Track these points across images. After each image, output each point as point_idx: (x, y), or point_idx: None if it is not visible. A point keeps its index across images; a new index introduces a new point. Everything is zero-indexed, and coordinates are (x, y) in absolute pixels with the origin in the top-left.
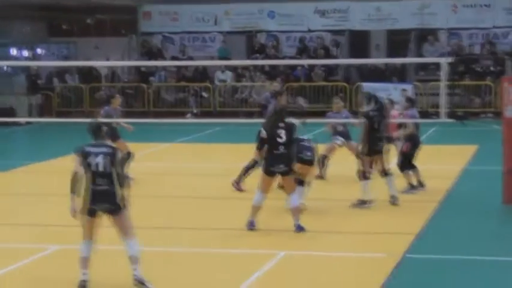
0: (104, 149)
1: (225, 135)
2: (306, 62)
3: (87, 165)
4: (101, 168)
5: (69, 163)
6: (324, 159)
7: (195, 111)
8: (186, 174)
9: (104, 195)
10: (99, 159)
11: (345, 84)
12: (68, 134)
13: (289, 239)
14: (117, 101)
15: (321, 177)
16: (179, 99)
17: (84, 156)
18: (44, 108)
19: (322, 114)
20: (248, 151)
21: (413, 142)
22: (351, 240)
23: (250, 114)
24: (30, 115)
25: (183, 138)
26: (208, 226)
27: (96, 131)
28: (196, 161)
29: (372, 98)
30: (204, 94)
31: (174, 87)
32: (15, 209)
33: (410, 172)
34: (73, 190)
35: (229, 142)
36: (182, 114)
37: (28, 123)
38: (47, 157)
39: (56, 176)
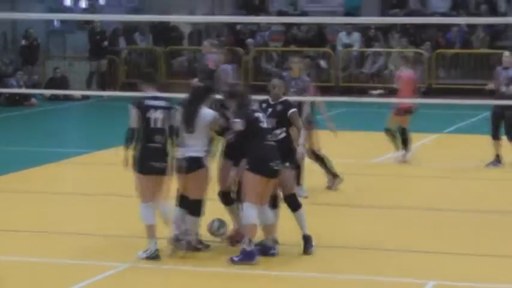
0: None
1: (350, 119)
2: (463, 20)
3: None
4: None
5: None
6: None
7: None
8: None
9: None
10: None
11: None
12: None
13: (440, 263)
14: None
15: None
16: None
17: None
18: (105, 79)
19: (479, 93)
20: (381, 140)
21: None
22: None
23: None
24: (88, 87)
25: None
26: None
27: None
28: None
29: None
30: (322, 63)
31: (281, 53)
32: (66, 213)
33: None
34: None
35: (356, 129)
36: None
37: (85, 97)
38: (109, 144)
39: (119, 169)
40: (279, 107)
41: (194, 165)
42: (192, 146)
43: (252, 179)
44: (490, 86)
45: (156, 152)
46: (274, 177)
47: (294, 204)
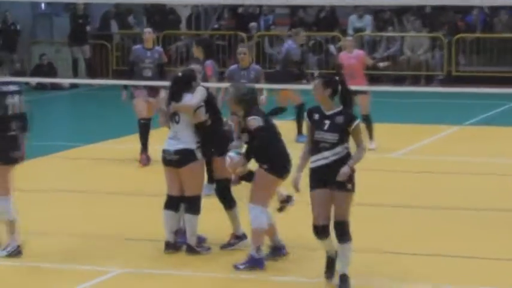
0: None
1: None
2: (484, 2)
3: None
4: None
5: (131, 146)
6: None
7: (316, 74)
8: None
9: None
10: None
11: None
12: (130, 104)
13: (459, 267)
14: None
15: None
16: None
17: None
18: (96, 66)
19: (504, 81)
20: (409, 133)
21: None
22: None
23: (400, 80)
24: (76, 75)
25: (293, 117)
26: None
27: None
28: None
29: None
30: (332, 49)
31: (286, 37)
32: (55, 213)
33: None
34: None
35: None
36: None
37: (73, 86)
38: (99, 137)
39: (112, 165)
40: (338, 119)
41: (186, 158)
42: (182, 137)
43: (272, 181)
44: None
45: (14, 140)
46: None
47: (343, 233)
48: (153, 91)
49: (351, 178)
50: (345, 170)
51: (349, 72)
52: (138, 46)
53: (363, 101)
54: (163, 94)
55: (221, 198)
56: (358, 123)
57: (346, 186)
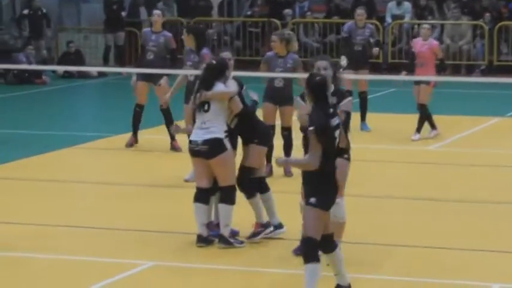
0: None
1: (400, 100)
2: None
3: None
4: None
5: (161, 137)
6: None
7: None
8: None
9: None
10: None
11: None
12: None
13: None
14: None
15: None
16: (329, 43)
17: None
18: (125, 53)
19: None
20: (447, 124)
21: None
22: None
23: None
24: (106, 62)
25: None
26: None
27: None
28: None
29: None
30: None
31: (322, 25)
32: (84, 205)
33: None
34: None
35: (406, 112)
36: None
37: (101, 74)
38: (129, 127)
39: (142, 156)
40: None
41: (215, 149)
42: (211, 126)
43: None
44: None
45: None
46: None
47: (303, 251)
48: (154, 77)
49: (315, 192)
50: (280, 158)
51: (420, 61)
52: (147, 29)
53: (424, 91)
54: (163, 82)
55: (240, 187)
56: (313, 130)
57: (309, 199)
